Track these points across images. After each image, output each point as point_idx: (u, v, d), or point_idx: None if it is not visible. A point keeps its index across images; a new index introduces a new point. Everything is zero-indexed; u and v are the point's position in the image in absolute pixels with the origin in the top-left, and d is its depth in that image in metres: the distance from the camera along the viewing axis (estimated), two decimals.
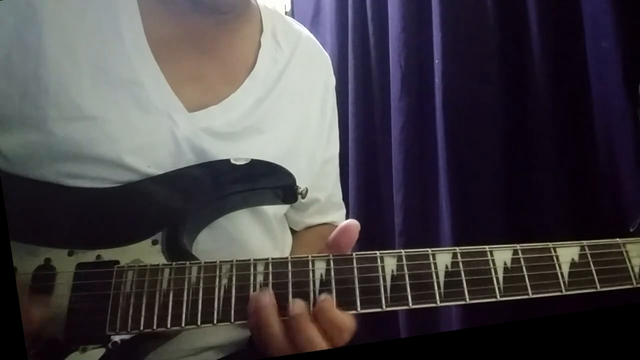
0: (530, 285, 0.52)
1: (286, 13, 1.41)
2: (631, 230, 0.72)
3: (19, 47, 0.57)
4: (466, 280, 0.51)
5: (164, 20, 0.64)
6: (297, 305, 0.49)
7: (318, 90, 0.76)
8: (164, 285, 0.51)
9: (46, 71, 0.57)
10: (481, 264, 0.52)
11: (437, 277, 0.51)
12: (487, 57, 1.11)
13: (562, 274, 0.53)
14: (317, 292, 0.51)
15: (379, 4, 1.25)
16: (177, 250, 0.55)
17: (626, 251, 0.54)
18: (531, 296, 0.51)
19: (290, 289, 0.51)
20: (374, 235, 1.21)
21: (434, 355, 0.60)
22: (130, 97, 0.60)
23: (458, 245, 0.53)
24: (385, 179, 1.23)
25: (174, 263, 0.52)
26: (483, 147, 1.10)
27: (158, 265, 0.52)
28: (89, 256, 0.53)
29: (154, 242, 0.55)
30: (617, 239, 0.55)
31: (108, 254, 0.54)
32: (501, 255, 0.53)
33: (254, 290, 0.51)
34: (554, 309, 0.57)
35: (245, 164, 0.59)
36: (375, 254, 0.52)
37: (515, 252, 0.53)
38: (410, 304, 0.51)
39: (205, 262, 0.52)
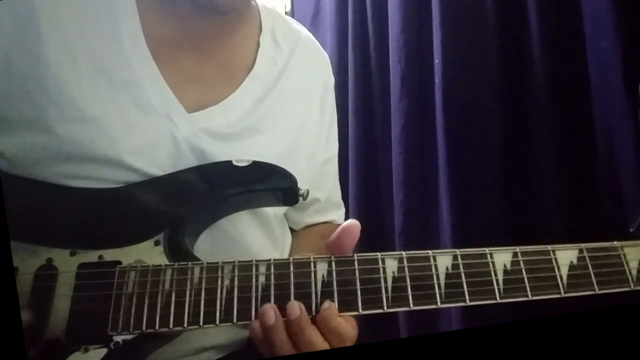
0: (530, 287, 0.52)
1: (286, 13, 1.41)
2: (631, 230, 0.72)
3: (18, 48, 0.57)
4: (466, 282, 0.52)
5: (162, 21, 0.64)
6: (293, 309, 0.50)
7: (317, 90, 0.76)
8: (166, 286, 0.51)
9: (46, 72, 0.57)
10: (481, 266, 0.53)
11: (438, 278, 0.52)
12: (487, 57, 1.11)
13: (560, 276, 0.53)
14: (319, 293, 0.51)
15: (379, 4, 1.25)
16: (179, 251, 0.55)
17: (624, 254, 0.55)
18: (530, 298, 0.52)
19: (292, 290, 0.51)
20: (374, 235, 1.21)
21: (434, 355, 0.60)
22: (130, 97, 0.60)
23: (458, 245, 0.54)
24: (385, 179, 1.23)
25: (176, 264, 0.53)
26: (483, 147, 1.10)
27: (160, 265, 0.53)
28: (91, 256, 0.54)
29: (156, 243, 0.55)
30: (615, 242, 0.55)
31: (110, 255, 0.54)
32: (501, 258, 0.53)
33: (256, 291, 0.51)
34: (553, 309, 0.57)
35: (247, 166, 0.60)
36: (377, 255, 0.53)
37: (514, 254, 0.54)
38: (411, 305, 0.51)
39: (207, 263, 0.52)
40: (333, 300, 0.51)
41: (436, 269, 0.52)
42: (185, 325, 0.50)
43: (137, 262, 0.53)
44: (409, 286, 0.51)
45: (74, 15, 0.60)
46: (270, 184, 0.61)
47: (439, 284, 0.52)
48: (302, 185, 0.62)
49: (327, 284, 0.51)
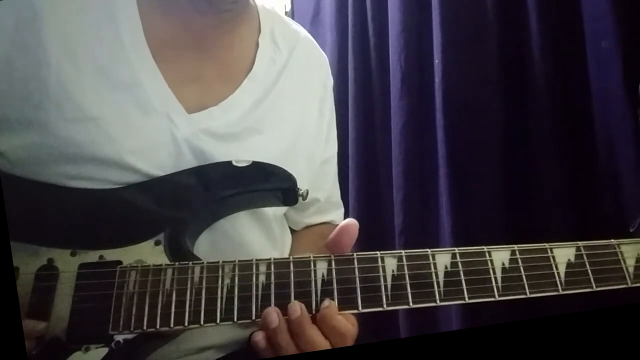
0: (528, 285, 0.53)
1: (286, 13, 1.41)
2: (631, 230, 0.72)
3: (19, 49, 0.57)
4: (465, 280, 0.52)
5: (162, 21, 0.64)
6: (294, 309, 0.50)
7: (316, 90, 0.77)
8: (167, 285, 0.51)
9: (47, 72, 0.57)
10: (480, 264, 0.53)
11: (437, 277, 0.52)
12: (487, 57, 1.11)
13: (558, 274, 0.54)
14: (319, 292, 0.51)
15: (379, 4, 1.25)
16: (180, 251, 0.55)
17: (621, 252, 0.55)
18: (529, 295, 0.52)
19: (292, 289, 0.51)
20: (374, 235, 1.21)
21: (434, 355, 0.60)
22: (130, 97, 0.60)
23: (458, 244, 0.54)
24: (385, 179, 1.23)
25: (177, 263, 0.53)
26: (483, 147, 1.10)
27: (161, 265, 0.53)
28: (92, 256, 0.54)
29: (157, 243, 0.55)
30: (612, 240, 0.56)
31: (110, 255, 0.54)
32: (499, 256, 0.54)
33: (257, 290, 0.51)
34: (552, 310, 0.58)
35: (247, 166, 0.60)
36: (376, 254, 0.53)
37: (513, 252, 0.54)
38: (411, 303, 0.51)
39: (208, 263, 0.53)
40: (333, 299, 0.51)
41: (435, 267, 0.52)
42: (186, 324, 0.50)
43: (137, 262, 0.54)
44: (408, 284, 0.52)
45: (74, 15, 0.60)
46: (269, 184, 0.61)
47: (438, 282, 0.52)
48: (302, 185, 0.62)
49: (327, 282, 0.52)
